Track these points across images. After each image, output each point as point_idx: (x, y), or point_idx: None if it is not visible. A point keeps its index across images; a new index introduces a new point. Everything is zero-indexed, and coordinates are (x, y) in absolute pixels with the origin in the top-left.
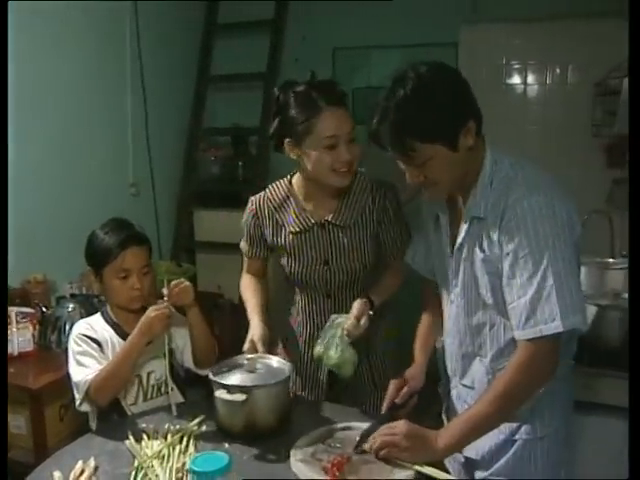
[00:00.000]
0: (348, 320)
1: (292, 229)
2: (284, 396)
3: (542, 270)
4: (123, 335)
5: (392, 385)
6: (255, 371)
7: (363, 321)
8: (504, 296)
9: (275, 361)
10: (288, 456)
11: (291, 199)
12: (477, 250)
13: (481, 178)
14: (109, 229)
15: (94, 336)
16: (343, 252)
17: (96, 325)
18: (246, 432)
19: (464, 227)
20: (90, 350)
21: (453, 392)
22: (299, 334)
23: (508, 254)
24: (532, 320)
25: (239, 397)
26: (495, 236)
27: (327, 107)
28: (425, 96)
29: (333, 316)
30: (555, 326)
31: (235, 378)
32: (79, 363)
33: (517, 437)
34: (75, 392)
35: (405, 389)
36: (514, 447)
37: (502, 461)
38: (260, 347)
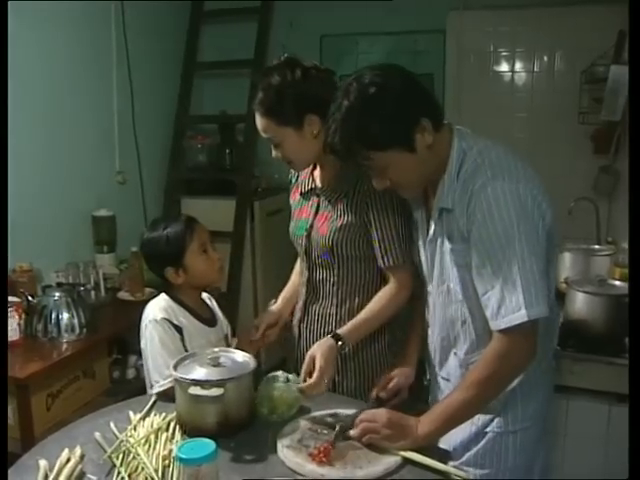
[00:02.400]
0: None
1: (300, 188)
2: (252, 388)
3: (508, 258)
4: (199, 318)
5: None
6: (220, 365)
7: (316, 378)
8: (476, 287)
9: (239, 355)
10: (275, 443)
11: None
12: (446, 242)
13: (448, 170)
14: (162, 225)
15: (175, 322)
16: (322, 225)
17: (172, 309)
18: (220, 428)
19: (433, 220)
20: (171, 341)
21: (434, 382)
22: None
23: (476, 244)
24: (502, 310)
25: (216, 392)
26: (462, 226)
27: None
28: (369, 105)
29: (268, 376)
30: (521, 315)
31: (203, 373)
32: (167, 348)
33: (488, 429)
34: (155, 376)
35: (391, 384)
36: (484, 439)
37: (472, 452)
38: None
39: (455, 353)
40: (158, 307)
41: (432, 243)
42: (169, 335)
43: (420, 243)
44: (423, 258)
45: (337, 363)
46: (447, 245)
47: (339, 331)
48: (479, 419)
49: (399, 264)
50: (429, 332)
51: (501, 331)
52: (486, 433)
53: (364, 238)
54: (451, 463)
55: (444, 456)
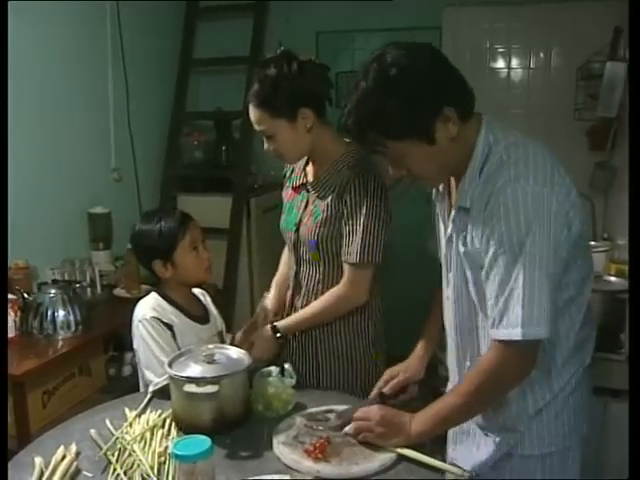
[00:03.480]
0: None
1: (292, 184)
2: (247, 385)
3: (517, 268)
4: (190, 316)
5: (384, 376)
6: (215, 362)
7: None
8: (485, 292)
9: (234, 352)
10: (270, 440)
11: (306, 158)
12: (460, 242)
13: (471, 165)
14: (156, 217)
15: (165, 320)
16: (309, 220)
17: (161, 307)
18: (215, 425)
19: (451, 217)
20: (162, 340)
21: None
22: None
23: (489, 247)
24: (504, 321)
25: (211, 389)
26: (478, 227)
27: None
28: (387, 90)
29: (259, 372)
30: (516, 333)
31: (198, 370)
32: (158, 346)
33: (513, 452)
34: (149, 374)
35: (395, 380)
36: (509, 463)
37: (497, 475)
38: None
39: (470, 365)
40: (147, 306)
41: (450, 243)
42: (160, 333)
43: (442, 242)
44: (443, 258)
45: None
46: (461, 246)
47: (277, 324)
48: (502, 441)
49: (356, 262)
50: (447, 339)
51: (499, 341)
52: (511, 455)
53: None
54: None
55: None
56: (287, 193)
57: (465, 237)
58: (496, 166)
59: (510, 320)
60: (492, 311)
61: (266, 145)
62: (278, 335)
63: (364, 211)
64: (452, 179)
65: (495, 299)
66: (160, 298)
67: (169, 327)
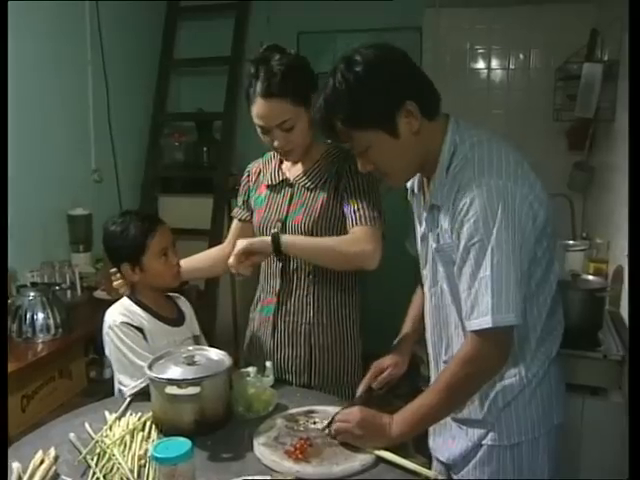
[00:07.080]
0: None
1: (267, 182)
2: (229, 386)
3: (485, 259)
4: (161, 318)
5: (372, 369)
6: (195, 363)
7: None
8: (458, 287)
9: (214, 353)
10: (251, 441)
11: (277, 156)
12: (433, 239)
13: (439, 164)
14: (127, 220)
15: (135, 324)
16: (298, 214)
17: (130, 312)
18: (197, 427)
19: (424, 216)
20: (135, 344)
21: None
22: (258, 297)
23: (459, 241)
24: (475, 312)
25: (192, 390)
26: (448, 223)
27: (257, 97)
28: (353, 83)
29: (239, 372)
30: (486, 321)
31: (179, 372)
32: (131, 350)
33: (484, 443)
34: (125, 379)
35: (384, 375)
36: (480, 452)
37: (470, 465)
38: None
39: (445, 361)
40: (116, 312)
41: (424, 241)
42: (131, 337)
43: (418, 241)
44: (419, 256)
45: (314, 358)
46: (434, 243)
47: (281, 235)
48: (474, 432)
49: (363, 224)
50: (426, 337)
51: (473, 332)
52: (481, 446)
53: (343, 225)
54: (452, 476)
55: (447, 468)
56: (262, 193)
57: (437, 234)
58: (462, 164)
59: (480, 310)
60: (465, 304)
61: (277, 142)
62: (276, 240)
63: (364, 191)
64: (425, 180)
65: (467, 291)
66: (129, 302)
67: (139, 330)
